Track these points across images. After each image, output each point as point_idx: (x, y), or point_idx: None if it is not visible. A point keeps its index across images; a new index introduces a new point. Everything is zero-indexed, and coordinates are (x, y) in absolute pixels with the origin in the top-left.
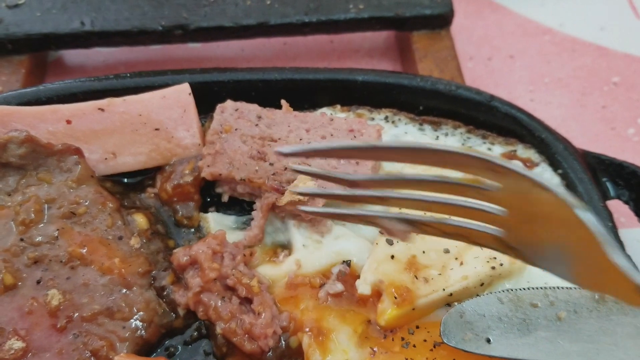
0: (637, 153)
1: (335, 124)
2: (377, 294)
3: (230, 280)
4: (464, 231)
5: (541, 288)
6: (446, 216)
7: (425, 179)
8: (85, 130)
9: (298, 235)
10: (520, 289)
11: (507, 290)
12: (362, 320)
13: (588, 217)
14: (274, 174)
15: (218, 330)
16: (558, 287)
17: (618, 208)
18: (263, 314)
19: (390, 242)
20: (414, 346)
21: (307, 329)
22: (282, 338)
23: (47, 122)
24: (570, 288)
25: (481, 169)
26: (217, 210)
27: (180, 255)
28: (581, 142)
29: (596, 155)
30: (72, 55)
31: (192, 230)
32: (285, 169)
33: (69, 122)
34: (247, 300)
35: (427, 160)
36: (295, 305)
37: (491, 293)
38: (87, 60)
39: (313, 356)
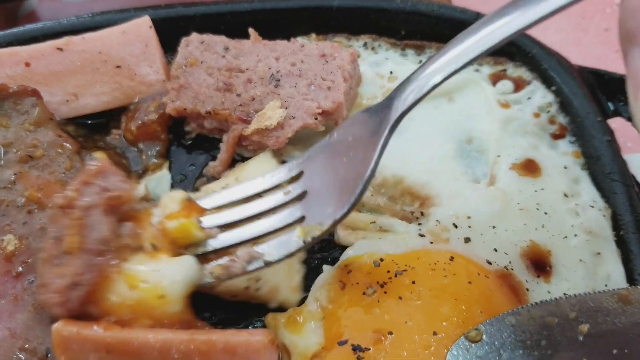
0: None
1: (306, 50)
2: None
3: None
4: None
5: (554, 300)
6: None
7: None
8: (44, 72)
9: None
10: (532, 305)
11: (516, 310)
12: None
13: None
14: (241, 105)
15: None
16: (573, 295)
17: (624, 132)
18: None
19: None
20: None
21: None
22: None
23: (5, 66)
24: (586, 293)
25: None
26: (188, 154)
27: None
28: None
29: (594, 70)
30: (44, 9)
31: None
32: (253, 99)
33: (27, 64)
34: None
35: None
36: None
37: (499, 316)
38: (59, 13)
39: None
